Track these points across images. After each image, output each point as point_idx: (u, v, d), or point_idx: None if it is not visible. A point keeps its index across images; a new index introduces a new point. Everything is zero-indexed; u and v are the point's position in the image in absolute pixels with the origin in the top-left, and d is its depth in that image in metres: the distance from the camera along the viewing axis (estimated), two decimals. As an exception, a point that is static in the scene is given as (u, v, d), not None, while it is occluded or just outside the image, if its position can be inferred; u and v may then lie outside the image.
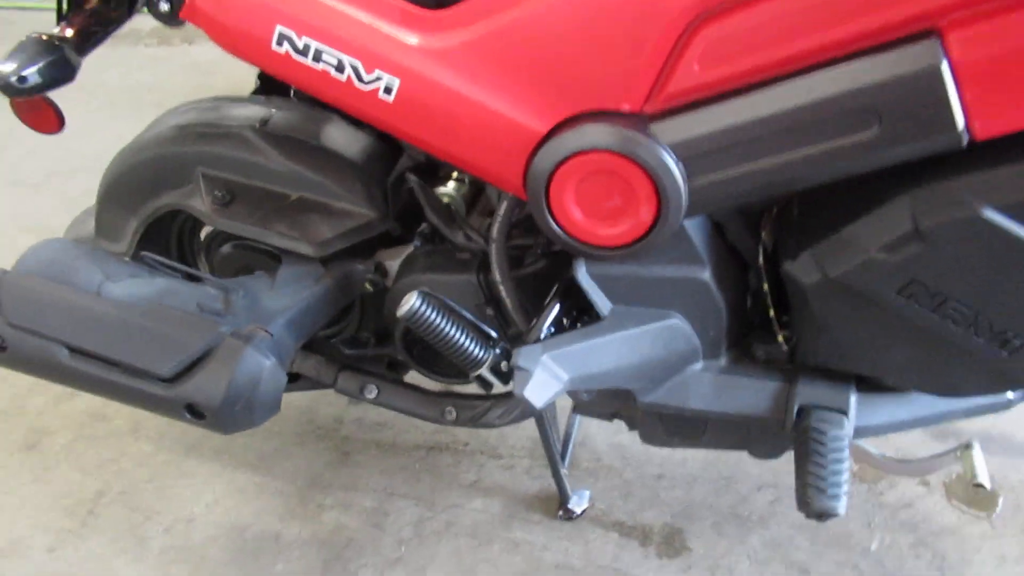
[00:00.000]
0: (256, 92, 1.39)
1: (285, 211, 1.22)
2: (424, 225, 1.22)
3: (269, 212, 1.22)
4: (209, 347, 1.10)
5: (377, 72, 0.90)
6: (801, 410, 1.08)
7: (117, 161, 1.31)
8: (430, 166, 1.23)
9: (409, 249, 1.27)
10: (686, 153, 0.89)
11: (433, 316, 0.95)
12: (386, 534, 1.45)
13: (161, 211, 1.29)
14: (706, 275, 1.03)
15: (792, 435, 1.08)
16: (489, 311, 1.15)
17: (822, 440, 1.04)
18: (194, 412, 1.11)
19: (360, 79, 0.90)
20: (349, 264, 1.25)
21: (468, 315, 0.98)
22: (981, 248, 0.87)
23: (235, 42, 0.93)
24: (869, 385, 1.10)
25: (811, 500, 0.99)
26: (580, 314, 1.12)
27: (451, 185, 1.26)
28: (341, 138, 1.27)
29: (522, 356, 0.98)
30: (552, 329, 1.05)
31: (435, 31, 0.89)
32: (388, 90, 0.90)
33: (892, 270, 0.92)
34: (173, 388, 1.10)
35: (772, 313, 1.06)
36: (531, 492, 1.51)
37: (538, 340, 1.03)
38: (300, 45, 0.90)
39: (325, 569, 1.40)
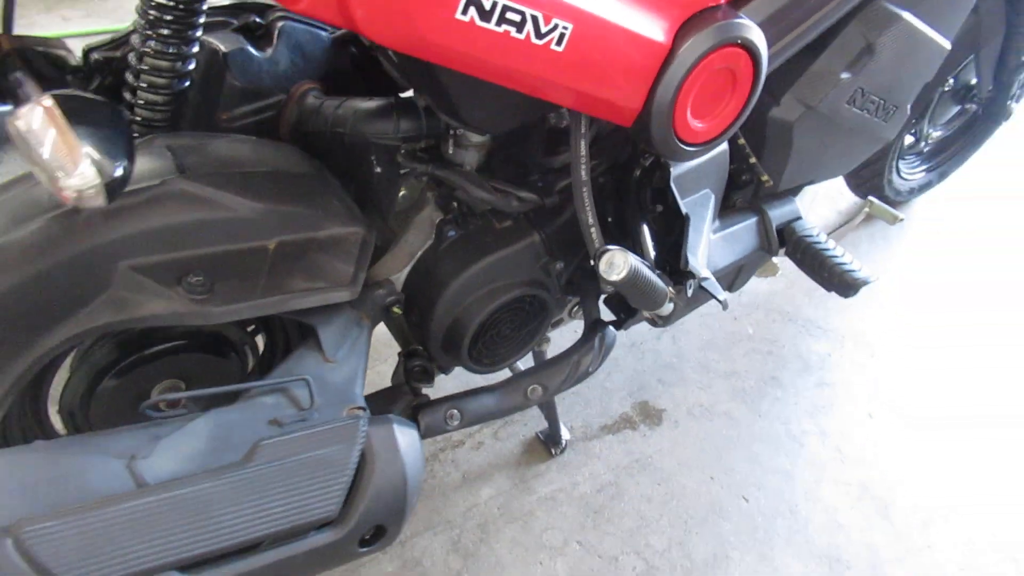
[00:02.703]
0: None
1: (277, 267, 0.93)
2: (444, 214, 1.06)
3: (266, 274, 0.92)
4: (361, 450, 0.83)
5: (554, 21, 0.76)
6: (778, 231, 1.30)
7: None
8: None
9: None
10: (767, 27, 0.98)
11: (638, 264, 0.89)
12: (435, 570, 1.28)
13: (60, 350, 0.86)
14: (725, 143, 1.15)
15: (788, 251, 1.30)
16: (559, 265, 1.09)
17: (818, 242, 1.28)
18: (374, 536, 0.85)
19: (539, 33, 0.76)
20: (369, 293, 1.02)
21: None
22: (899, 44, 1.17)
23: (406, 22, 0.67)
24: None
25: (853, 281, 1.23)
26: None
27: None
28: (274, 154, 0.99)
29: (699, 269, 0.98)
30: (653, 243, 1.06)
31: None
32: (560, 40, 0.78)
33: (850, 84, 1.17)
34: (345, 524, 0.82)
35: (753, 160, 1.23)
36: (516, 453, 1.46)
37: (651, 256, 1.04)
38: (487, 5, 0.70)
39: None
